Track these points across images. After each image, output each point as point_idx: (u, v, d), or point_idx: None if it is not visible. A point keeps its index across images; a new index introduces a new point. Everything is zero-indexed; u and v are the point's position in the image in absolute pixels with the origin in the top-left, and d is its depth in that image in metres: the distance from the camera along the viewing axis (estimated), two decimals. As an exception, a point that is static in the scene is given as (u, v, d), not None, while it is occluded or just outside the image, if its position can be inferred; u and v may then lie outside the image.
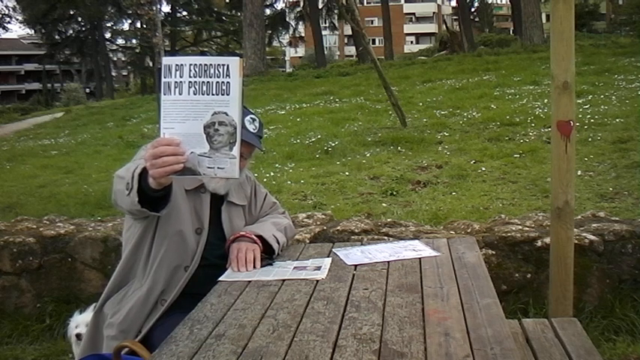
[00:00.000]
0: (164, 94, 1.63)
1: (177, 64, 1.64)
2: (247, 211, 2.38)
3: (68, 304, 3.65)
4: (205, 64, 1.61)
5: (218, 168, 1.63)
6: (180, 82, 1.62)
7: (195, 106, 1.62)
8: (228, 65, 1.60)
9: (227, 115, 1.60)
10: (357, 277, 2.02)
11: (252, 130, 2.16)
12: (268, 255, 2.25)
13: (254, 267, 2.13)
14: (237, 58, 1.61)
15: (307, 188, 6.06)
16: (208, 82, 1.61)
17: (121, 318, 2.08)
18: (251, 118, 2.18)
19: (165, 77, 1.63)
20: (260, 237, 2.23)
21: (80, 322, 2.72)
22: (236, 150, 1.61)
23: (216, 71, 1.60)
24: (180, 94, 1.62)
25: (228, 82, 1.60)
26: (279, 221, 2.42)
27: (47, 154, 9.93)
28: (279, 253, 2.31)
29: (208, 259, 2.16)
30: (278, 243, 2.28)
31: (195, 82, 1.61)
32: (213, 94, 1.60)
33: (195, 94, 1.61)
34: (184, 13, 36.42)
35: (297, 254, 2.34)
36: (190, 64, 1.63)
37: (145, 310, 2.08)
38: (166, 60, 1.66)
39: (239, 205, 2.32)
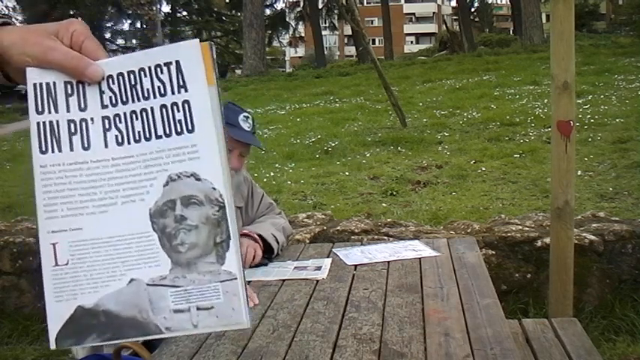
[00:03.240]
0: (40, 150, 0.71)
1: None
2: (244, 212, 2.38)
3: (68, 304, 3.65)
4: (132, 71, 0.72)
5: (198, 309, 0.71)
6: (89, 117, 0.72)
7: (121, 168, 0.71)
8: (178, 61, 0.71)
9: (199, 179, 0.70)
10: (357, 277, 2.02)
11: (247, 129, 2.15)
12: (268, 255, 2.25)
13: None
14: (195, 40, 0.71)
15: (307, 188, 6.06)
16: (143, 109, 0.72)
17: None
18: (244, 116, 2.16)
19: (38, 109, 0.72)
20: (260, 236, 2.23)
21: None
22: (233, 258, 0.71)
23: (156, 79, 0.71)
24: (87, 145, 0.72)
25: (186, 102, 0.71)
26: (277, 221, 2.42)
27: (47, 154, 9.91)
28: (279, 253, 2.31)
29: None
30: (277, 242, 2.28)
31: (117, 115, 0.72)
32: (157, 136, 0.71)
33: (119, 142, 0.71)
34: (184, 13, 36.43)
35: (297, 254, 2.34)
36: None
37: None
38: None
39: (236, 207, 2.32)
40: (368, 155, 7.42)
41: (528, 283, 3.43)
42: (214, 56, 0.71)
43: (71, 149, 0.71)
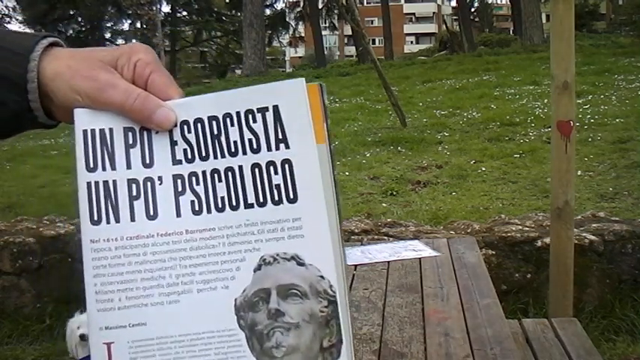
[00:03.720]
0: (91, 220, 0.55)
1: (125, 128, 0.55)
2: None
3: (68, 304, 3.65)
4: (214, 117, 0.55)
5: None
6: (157, 176, 0.55)
7: (198, 245, 0.54)
8: (276, 106, 0.55)
9: (302, 264, 0.53)
10: (357, 277, 2.02)
11: None
12: None
13: None
14: (300, 80, 0.55)
15: (307, 188, 6.06)
16: (229, 168, 0.54)
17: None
18: None
19: (90, 165, 0.54)
20: None
21: (83, 322, 2.72)
22: None
23: (247, 130, 0.54)
24: (153, 214, 0.54)
25: (287, 162, 0.54)
26: None
27: (47, 154, 9.93)
28: None
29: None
30: None
31: (194, 174, 0.55)
32: (248, 205, 0.54)
33: (196, 210, 0.54)
34: (184, 13, 36.45)
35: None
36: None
37: None
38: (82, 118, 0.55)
39: None
40: (368, 155, 7.42)
41: (528, 283, 3.43)
42: (325, 101, 0.53)
43: (132, 219, 0.54)
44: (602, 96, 9.41)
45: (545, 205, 4.65)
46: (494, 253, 3.44)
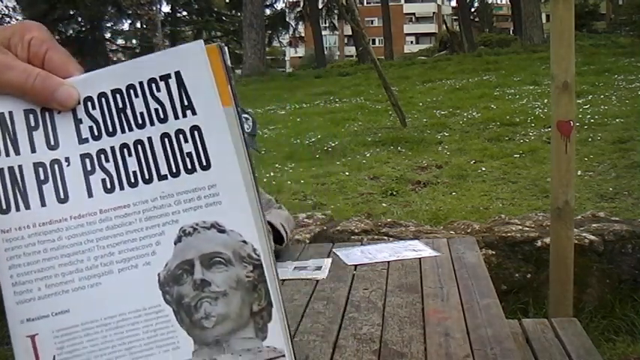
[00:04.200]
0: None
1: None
2: None
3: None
4: (117, 89, 0.53)
5: None
6: (63, 157, 0.53)
7: (114, 224, 0.53)
8: (178, 72, 0.52)
9: (222, 230, 0.53)
10: (357, 277, 2.02)
11: (246, 130, 2.14)
12: (278, 243, 2.25)
13: None
14: (199, 42, 0.52)
15: (307, 188, 6.06)
16: (138, 141, 0.53)
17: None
18: (244, 117, 2.16)
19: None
20: (269, 223, 2.23)
21: None
22: (278, 330, 0.53)
23: (152, 99, 0.53)
24: (64, 196, 0.53)
25: (196, 129, 0.53)
26: (281, 212, 2.43)
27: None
28: (288, 245, 2.31)
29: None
30: (286, 232, 2.29)
31: (102, 151, 0.53)
32: (161, 177, 0.53)
33: (108, 188, 0.53)
34: (184, 13, 36.47)
35: (297, 254, 2.34)
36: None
37: None
38: None
39: None
40: (368, 155, 7.43)
41: (528, 283, 3.43)
42: (227, 62, 0.52)
43: (43, 204, 0.52)
44: (602, 96, 9.42)
45: (545, 205, 4.65)
46: (494, 253, 3.44)
